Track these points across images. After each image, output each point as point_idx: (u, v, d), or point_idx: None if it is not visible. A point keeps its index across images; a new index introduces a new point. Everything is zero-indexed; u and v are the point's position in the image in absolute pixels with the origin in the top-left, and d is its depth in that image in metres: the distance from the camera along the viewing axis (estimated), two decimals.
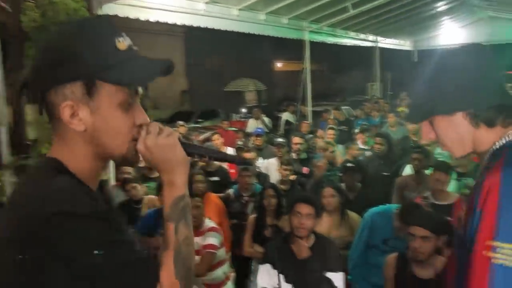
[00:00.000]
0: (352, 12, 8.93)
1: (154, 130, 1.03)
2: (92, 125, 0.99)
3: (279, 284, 2.89)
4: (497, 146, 1.19)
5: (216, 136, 6.66)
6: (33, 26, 3.61)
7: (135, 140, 1.03)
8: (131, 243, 0.98)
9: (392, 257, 2.87)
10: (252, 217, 4.12)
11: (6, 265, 0.91)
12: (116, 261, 0.91)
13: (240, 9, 7.22)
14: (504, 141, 1.19)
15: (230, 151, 6.61)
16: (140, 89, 1.06)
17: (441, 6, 11.85)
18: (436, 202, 3.67)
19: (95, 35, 0.99)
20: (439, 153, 5.77)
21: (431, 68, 1.28)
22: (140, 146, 1.03)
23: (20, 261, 0.89)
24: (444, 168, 3.86)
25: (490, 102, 1.19)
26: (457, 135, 1.23)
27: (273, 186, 4.18)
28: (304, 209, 2.91)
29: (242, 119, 15.77)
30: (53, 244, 0.88)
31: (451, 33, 14.88)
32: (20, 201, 0.97)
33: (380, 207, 3.44)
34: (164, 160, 1.04)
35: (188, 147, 1.08)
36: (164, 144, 1.03)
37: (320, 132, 7.61)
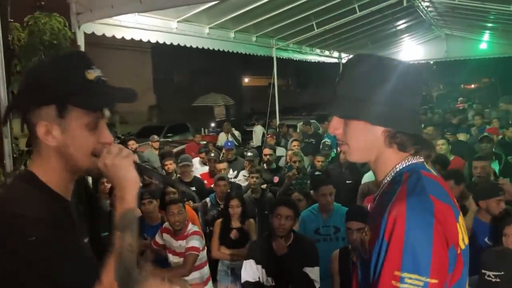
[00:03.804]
0: (316, 30, 9.37)
1: (114, 151, 1.20)
2: (62, 141, 1.17)
3: (261, 277, 3.20)
4: (397, 169, 1.23)
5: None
6: (19, 45, 3.81)
7: (96, 156, 1.20)
8: (74, 247, 1.16)
9: (335, 252, 3.30)
10: (218, 222, 4.37)
11: None
12: (54, 261, 1.07)
13: (210, 27, 7.54)
14: (404, 165, 1.23)
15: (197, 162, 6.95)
16: (106, 113, 1.24)
17: (400, 25, 12.52)
18: None
19: (67, 67, 1.19)
20: None
21: (381, 76, 1.22)
22: (100, 163, 1.19)
23: None
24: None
25: (413, 128, 1.23)
26: (367, 144, 1.25)
27: (237, 196, 4.38)
28: (285, 211, 3.24)
29: (211, 133, 16.01)
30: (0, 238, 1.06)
31: (410, 50, 15.63)
32: None
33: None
34: (118, 177, 1.19)
35: (140, 169, 1.23)
36: (120, 164, 1.18)
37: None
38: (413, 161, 1.23)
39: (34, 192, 1.17)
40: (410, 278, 1.03)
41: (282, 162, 7.16)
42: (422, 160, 1.25)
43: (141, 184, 1.24)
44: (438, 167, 4.65)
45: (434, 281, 1.03)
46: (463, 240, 1.16)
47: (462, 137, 7.63)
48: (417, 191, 1.13)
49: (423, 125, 9.01)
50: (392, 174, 1.24)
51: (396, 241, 1.06)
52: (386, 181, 1.25)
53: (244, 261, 3.34)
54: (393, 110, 1.19)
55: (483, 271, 2.53)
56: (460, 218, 1.19)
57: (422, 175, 1.19)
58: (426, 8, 10.68)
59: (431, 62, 20.38)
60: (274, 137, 8.83)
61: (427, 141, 1.26)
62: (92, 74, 1.19)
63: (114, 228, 1.16)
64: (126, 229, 1.16)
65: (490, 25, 11.67)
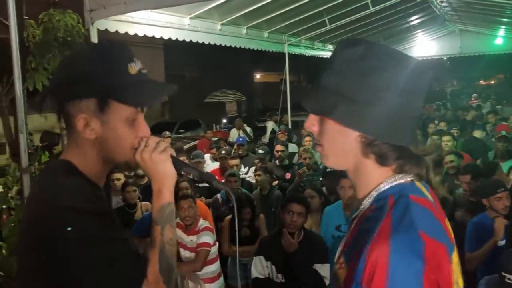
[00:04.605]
0: (329, 26, 9.33)
1: (152, 144, 1.20)
2: (101, 135, 1.18)
3: (270, 273, 3.21)
4: (381, 190, 1.00)
5: None
6: (33, 41, 3.86)
7: (136, 149, 1.21)
8: (125, 241, 1.15)
9: None
10: (227, 218, 4.38)
11: (24, 252, 1.13)
12: (109, 256, 1.06)
13: (222, 24, 7.54)
14: (389, 185, 1.00)
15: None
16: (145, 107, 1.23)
17: (413, 20, 12.41)
18: None
19: (111, 60, 1.17)
20: None
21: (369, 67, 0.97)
22: (137, 156, 1.19)
23: (31, 249, 1.09)
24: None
25: (398, 138, 0.98)
26: (342, 149, 1.03)
27: (247, 202, 4.36)
28: (296, 208, 3.24)
29: (223, 129, 16.05)
30: (57, 234, 1.05)
31: (423, 46, 15.51)
32: (38, 195, 1.17)
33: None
34: (155, 172, 1.19)
35: (178, 164, 1.23)
36: (157, 158, 1.18)
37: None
38: (401, 181, 1.00)
39: (80, 183, 1.16)
40: None
41: (295, 159, 7.15)
42: (411, 179, 1.01)
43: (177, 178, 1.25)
44: (457, 160, 4.88)
45: None
46: (457, 284, 0.95)
47: (477, 134, 7.56)
48: (404, 226, 0.90)
49: (436, 121, 8.97)
50: (375, 195, 1.01)
51: None
52: (367, 202, 1.03)
53: (254, 257, 3.36)
54: (372, 111, 0.96)
55: (503, 273, 2.52)
56: (454, 255, 0.97)
57: (411, 201, 0.96)
58: (440, 3, 10.56)
59: (445, 58, 20.16)
60: (286, 133, 8.81)
61: (418, 157, 1.01)
62: (134, 68, 1.18)
63: (153, 223, 1.17)
64: (165, 223, 1.17)
65: (505, 20, 11.49)
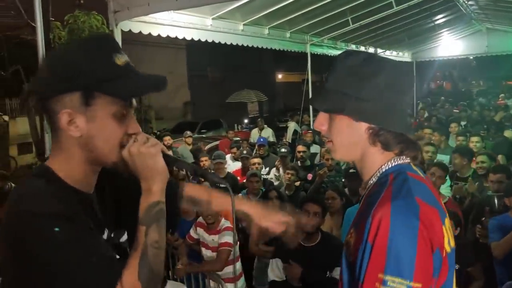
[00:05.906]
0: (352, 26, 9.23)
1: (141, 139, 1.11)
2: (87, 132, 1.08)
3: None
4: (383, 170, 1.20)
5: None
6: (59, 42, 3.94)
7: (123, 147, 1.11)
8: (95, 244, 1.05)
9: None
10: None
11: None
12: (73, 259, 0.98)
13: (244, 24, 7.55)
14: (389, 166, 1.20)
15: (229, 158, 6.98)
16: (134, 102, 1.15)
17: (439, 19, 12.18)
18: None
19: (95, 51, 1.08)
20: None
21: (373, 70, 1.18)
22: (124, 152, 1.10)
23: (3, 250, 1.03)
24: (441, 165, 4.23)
25: (398, 126, 1.19)
26: (351, 141, 1.21)
27: (275, 189, 4.42)
28: (312, 207, 3.22)
29: (245, 130, 16.09)
30: (18, 238, 0.99)
31: (449, 45, 15.21)
32: (7, 200, 1.12)
33: None
34: (144, 167, 1.09)
35: (169, 159, 1.14)
36: (146, 152, 1.09)
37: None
38: (399, 162, 1.21)
39: (48, 188, 1.07)
40: (393, 282, 1.01)
41: (317, 159, 7.10)
42: (409, 161, 1.22)
43: (169, 176, 1.15)
44: (488, 162, 4.84)
45: (417, 284, 1.01)
46: (449, 243, 1.14)
47: (508, 134, 7.41)
48: (403, 194, 1.10)
49: (463, 124, 8.80)
50: (378, 175, 1.21)
51: (380, 244, 1.04)
52: (371, 182, 1.23)
53: (271, 260, 3.34)
54: (377, 106, 1.16)
55: None
56: (447, 220, 1.17)
57: (409, 176, 1.16)
58: (466, 2, 10.33)
59: (471, 58, 19.73)
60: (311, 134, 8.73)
61: (414, 141, 1.22)
62: (121, 59, 1.10)
63: (139, 223, 1.07)
64: (151, 223, 1.07)
65: None
